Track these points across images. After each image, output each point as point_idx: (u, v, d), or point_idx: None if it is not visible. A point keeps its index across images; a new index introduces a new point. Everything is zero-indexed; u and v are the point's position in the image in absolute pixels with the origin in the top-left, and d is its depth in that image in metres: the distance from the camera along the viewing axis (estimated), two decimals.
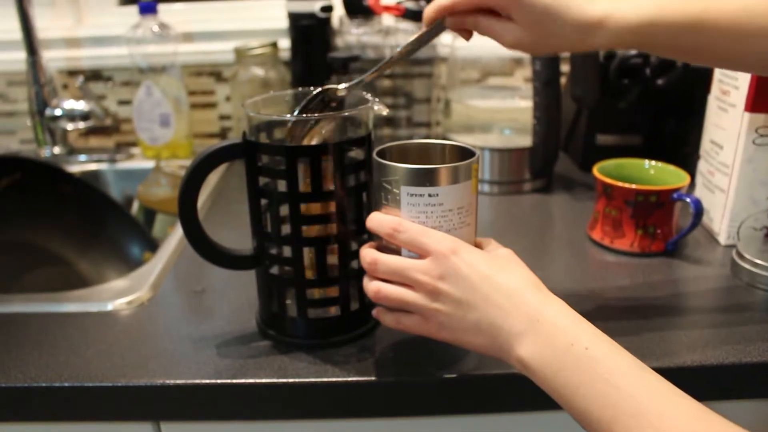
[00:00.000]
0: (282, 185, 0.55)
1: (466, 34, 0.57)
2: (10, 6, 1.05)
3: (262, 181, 0.56)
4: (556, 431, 0.61)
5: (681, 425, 0.39)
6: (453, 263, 0.47)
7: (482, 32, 0.55)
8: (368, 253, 0.52)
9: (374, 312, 0.56)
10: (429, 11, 0.55)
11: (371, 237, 0.59)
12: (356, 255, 0.59)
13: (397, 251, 0.52)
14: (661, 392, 0.41)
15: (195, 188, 0.56)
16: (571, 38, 0.52)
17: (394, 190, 0.50)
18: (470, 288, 0.47)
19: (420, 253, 0.50)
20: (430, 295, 0.48)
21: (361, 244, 0.59)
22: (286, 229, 0.57)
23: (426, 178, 0.50)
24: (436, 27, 0.56)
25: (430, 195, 0.50)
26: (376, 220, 0.52)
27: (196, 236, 0.57)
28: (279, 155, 0.54)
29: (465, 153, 0.54)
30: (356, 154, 0.56)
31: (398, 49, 0.57)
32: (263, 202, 0.57)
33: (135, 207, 1.07)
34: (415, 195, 0.50)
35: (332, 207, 0.56)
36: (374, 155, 0.52)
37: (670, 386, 0.42)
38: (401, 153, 0.55)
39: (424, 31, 0.56)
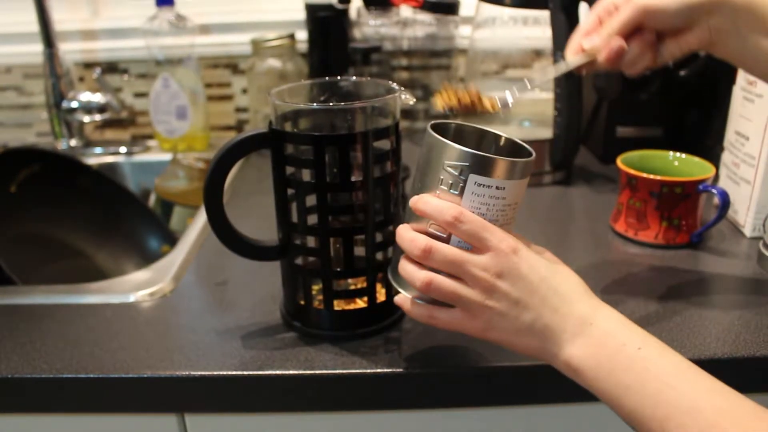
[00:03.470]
0: (308, 175, 0.55)
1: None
2: None
3: (289, 170, 0.56)
4: (591, 423, 0.60)
5: (740, 422, 0.39)
6: (514, 262, 0.46)
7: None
8: (419, 239, 0.47)
9: (399, 299, 0.52)
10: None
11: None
12: (383, 246, 0.58)
13: (443, 239, 0.47)
14: (717, 390, 0.41)
15: (221, 178, 0.55)
16: None
17: (460, 176, 0.46)
18: (529, 289, 0.46)
19: (478, 248, 0.46)
20: (485, 292, 0.46)
21: (386, 235, 0.58)
22: (312, 219, 0.56)
23: (498, 170, 0.46)
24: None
25: (497, 188, 0.46)
26: (433, 206, 0.47)
27: (222, 227, 0.57)
28: (306, 144, 0.54)
29: (518, 148, 0.51)
30: (383, 143, 0.56)
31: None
32: (289, 192, 0.56)
33: (152, 199, 1.06)
34: (483, 185, 0.46)
35: (360, 197, 0.55)
36: (433, 133, 0.48)
37: (725, 386, 0.41)
38: (457, 135, 0.52)
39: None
